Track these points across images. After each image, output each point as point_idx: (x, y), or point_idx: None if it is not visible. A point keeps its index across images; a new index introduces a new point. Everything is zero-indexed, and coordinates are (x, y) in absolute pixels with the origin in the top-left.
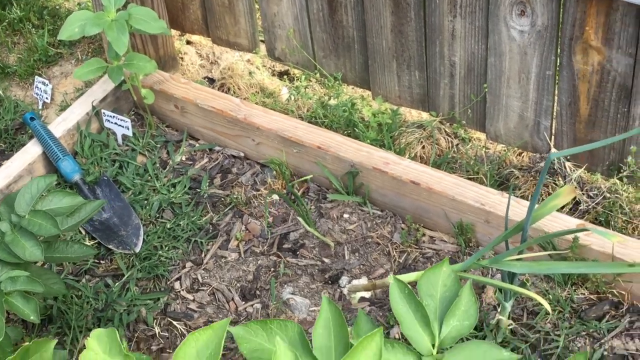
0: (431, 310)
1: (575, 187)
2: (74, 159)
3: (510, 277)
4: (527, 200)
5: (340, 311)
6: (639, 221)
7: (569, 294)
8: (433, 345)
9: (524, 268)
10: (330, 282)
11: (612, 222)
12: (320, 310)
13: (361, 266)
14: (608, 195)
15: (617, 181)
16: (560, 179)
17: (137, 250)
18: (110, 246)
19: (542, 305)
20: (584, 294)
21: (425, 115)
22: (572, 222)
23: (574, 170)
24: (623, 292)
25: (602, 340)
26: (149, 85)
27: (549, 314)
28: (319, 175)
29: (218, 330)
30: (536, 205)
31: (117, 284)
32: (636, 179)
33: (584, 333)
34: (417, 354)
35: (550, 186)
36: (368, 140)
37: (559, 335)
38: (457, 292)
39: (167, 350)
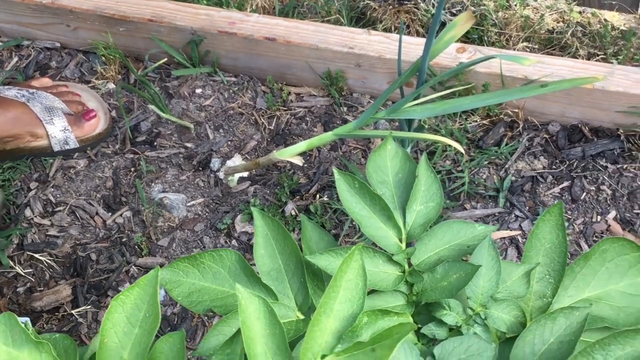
0: (389, 200)
1: (473, 12)
2: None
3: (409, 124)
4: (394, 32)
5: (279, 223)
6: (510, 30)
7: (461, 125)
8: (400, 240)
9: (427, 112)
10: (200, 168)
11: (485, 38)
12: (255, 227)
13: (229, 142)
14: (473, 8)
15: None
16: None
17: None
18: None
19: (436, 143)
20: (477, 121)
21: None
22: (451, 47)
23: None
24: (516, 110)
25: (507, 166)
26: None
27: (446, 150)
28: (157, 51)
29: (146, 286)
30: None
31: None
32: None
33: (486, 162)
34: (386, 255)
35: (412, 12)
36: (204, 2)
37: (462, 171)
38: (411, 172)
39: (37, 288)
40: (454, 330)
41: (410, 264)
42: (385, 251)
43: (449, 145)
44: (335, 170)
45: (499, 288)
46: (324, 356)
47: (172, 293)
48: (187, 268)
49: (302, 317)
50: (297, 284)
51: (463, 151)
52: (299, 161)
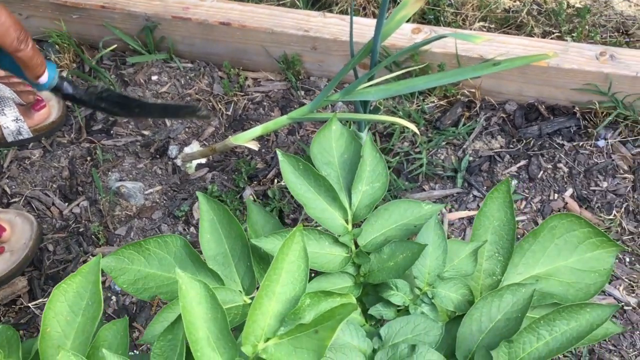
0: (334, 181)
1: None
2: None
3: (364, 105)
4: (348, 14)
5: (224, 207)
6: (467, 10)
7: (418, 106)
8: (347, 221)
9: (381, 93)
10: (158, 155)
11: (442, 18)
12: (200, 211)
13: (187, 129)
14: None
15: None
16: None
17: None
18: None
19: (394, 125)
20: (434, 102)
21: None
22: (407, 28)
23: None
24: (473, 90)
25: (465, 146)
26: None
27: (403, 132)
28: (111, 38)
29: (88, 274)
30: None
31: None
32: None
33: (444, 143)
34: (332, 237)
35: None
36: None
37: (420, 152)
38: (356, 152)
39: None
40: (402, 310)
41: (357, 245)
42: (331, 233)
43: (407, 127)
44: (278, 152)
45: (446, 267)
46: (267, 339)
47: (118, 281)
48: (133, 255)
49: (249, 301)
50: (243, 268)
51: (417, 131)
52: (254, 146)
